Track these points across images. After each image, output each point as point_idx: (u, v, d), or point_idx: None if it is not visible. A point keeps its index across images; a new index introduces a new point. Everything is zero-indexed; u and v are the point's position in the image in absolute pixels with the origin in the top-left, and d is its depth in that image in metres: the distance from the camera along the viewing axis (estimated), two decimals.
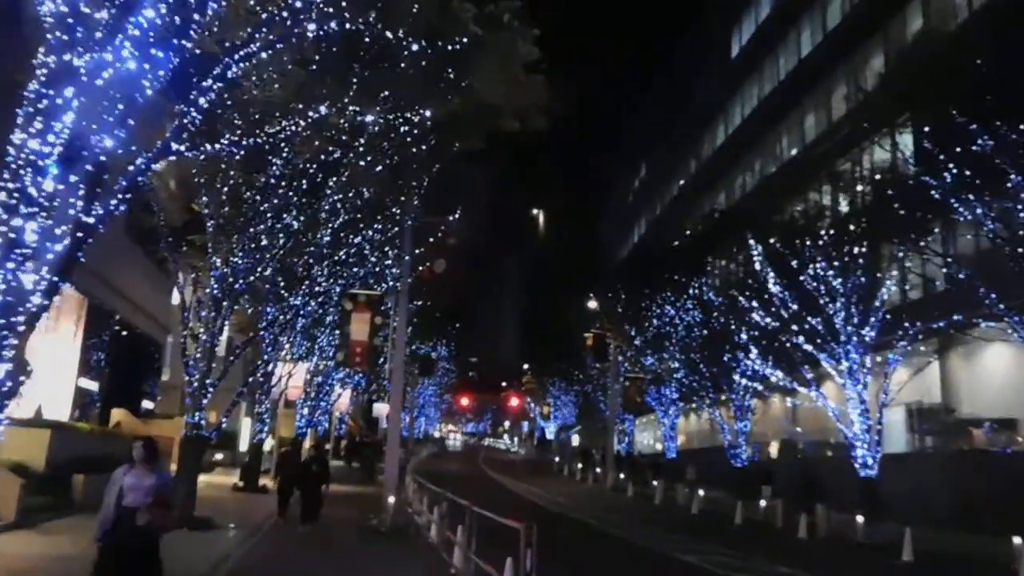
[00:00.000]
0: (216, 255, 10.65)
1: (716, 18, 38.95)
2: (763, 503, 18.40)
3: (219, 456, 25.84)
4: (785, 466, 25.83)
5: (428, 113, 9.41)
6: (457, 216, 12.71)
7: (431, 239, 13.15)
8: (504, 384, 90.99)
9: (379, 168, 10.78)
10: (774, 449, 28.40)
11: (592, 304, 33.86)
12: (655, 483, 24.55)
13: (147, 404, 22.80)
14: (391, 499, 12.79)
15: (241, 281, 10.96)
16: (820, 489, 16.60)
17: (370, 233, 12.31)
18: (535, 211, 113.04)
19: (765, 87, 33.06)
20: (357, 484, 22.84)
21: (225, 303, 11.07)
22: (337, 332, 19.70)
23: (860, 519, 14.48)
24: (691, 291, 26.14)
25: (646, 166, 54.50)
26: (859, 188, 20.16)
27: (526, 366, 71.71)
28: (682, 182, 44.59)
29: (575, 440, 61.84)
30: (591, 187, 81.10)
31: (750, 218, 24.77)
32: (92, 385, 17.76)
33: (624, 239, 57.33)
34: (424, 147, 10.93)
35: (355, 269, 13.33)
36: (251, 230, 10.62)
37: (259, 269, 11.08)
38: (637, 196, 56.34)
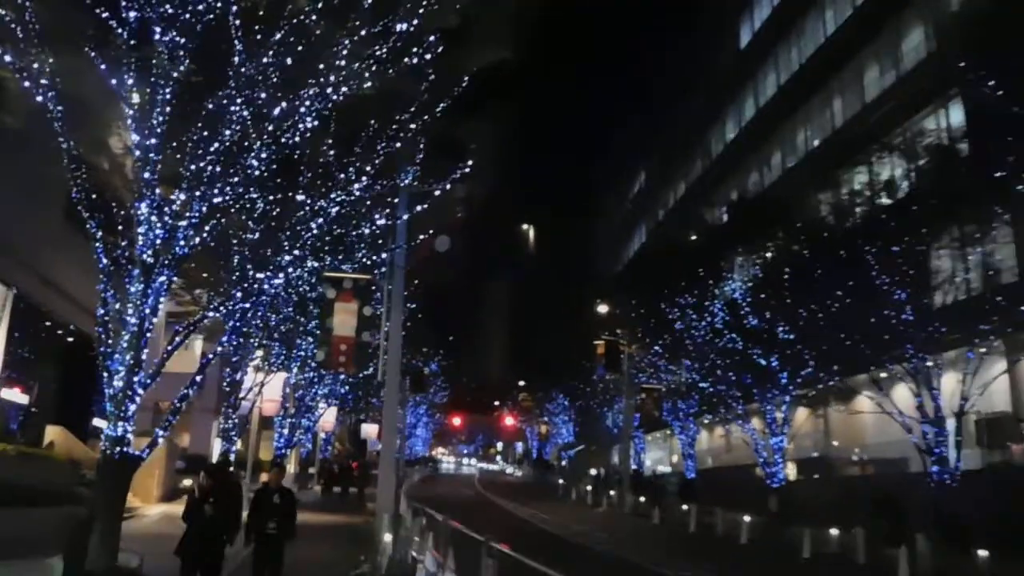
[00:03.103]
0: (143, 202, 7.78)
1: (719, 13, 37.10)
2: (834, 533, 15.39)
3: (187, 482, 22.62)
4: (819, 486, 23.09)
5: None
6: (466, 169, 9.90)
7: (437, 190, 10.29)
8: (496, 404, 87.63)
9: (368, 69, 8.01)
10: (791, 468, 25.55)
11: (602, 309, 31.09)
12: (684, 507, 21.59)
13: (99, 423, 19.68)
14: (387, 536, 9.83)
15: (183, 244, 8.08)
16: (905, 514, 13.71)
17: (356, 189, 9.47)
18: (524, 226, 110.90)
19: (782, 74, 30.93)
20: (339, 513, 19.65)
21: (162, 278, 8.18)
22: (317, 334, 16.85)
23: (983, 552, 11.57)
24: (716, 289, 23.51)
25: (645, 172, 52.40)
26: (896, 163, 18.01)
27: (522, 383, 68.57)
28: (685, 185, 42.44)
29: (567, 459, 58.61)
30: (583, 199, 79.08)
31: (783, 205, 22.32)
32: (20, 397, 14.71)
33: (623, 247, 54.99)
34: (430, 57, 8.27)
35: (340, 236, 10.39)
36: (193, 168, 7.77)
37: (208, 228, 8.21)
38: (636, 203, 54.18)
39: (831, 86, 26.82)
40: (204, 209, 8.03)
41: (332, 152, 10.65)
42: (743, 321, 22.14)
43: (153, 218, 7.95)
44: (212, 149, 7.89)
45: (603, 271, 56.28)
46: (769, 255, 22.02)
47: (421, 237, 11.11)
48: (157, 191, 8.00)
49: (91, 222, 7.97)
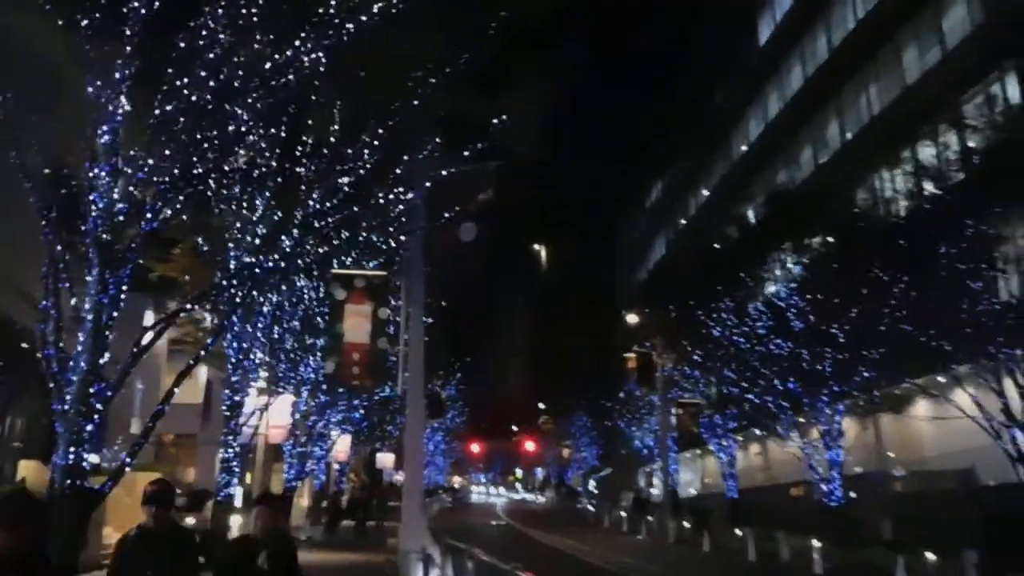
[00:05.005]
0: (100, 167, 6.13)
1: (734, 13, 35.89)
2: (931, 557, 13.22)
3: (190, 520, 20.72)
4: (882, 504, 20.77)
5: None
6: (498, 124, 8.24)
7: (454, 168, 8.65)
8: (515, 429, 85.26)
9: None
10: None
11: (632, 319, 29.21)
12: (737, 532, 19.42)
13: (90, 458, 17.91)
14: None
15: (149, 217, 6.40)
16: None
17: (367, 156, 7.81)
18: (536, 246, 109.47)
19: (808, 67, 29.40)
20: (356, 550, 17.66)
21: (126, 264, 6.50)
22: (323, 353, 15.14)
23: None
24: (756, 291, 21.67)
25: (662, 180, 50.94)
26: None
27: (542, 405, 66.38)
28: (708, 190, 40.86)
29: (591, 484, 56.20)
30: (598, 215, 77.74)
31: (826, 195, 20.59)
32: None
33: (643, 259, 53.27)
34: None
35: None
36: (158, 113, 6.12)
37: (183, 197, 6.53)
38: (654, 212, 52.62)
39: (866, 72, 25.23)
40: (177, 171, 6.35)
41: (337, 124, 9.10)
42: (789, 324, 20.23)
43: (113, 186, 6.30)
44: (185, 85, 6.22)
45: (623, 284, 54.54)
46: (814, 250, 20.25)
47: (446, 215, 9.42)
48: (117, 154, 6.37)
49: (34, 194, 6.33)
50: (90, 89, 6.41)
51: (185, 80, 6.09)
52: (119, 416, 17.62)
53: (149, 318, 23.30)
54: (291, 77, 6.49)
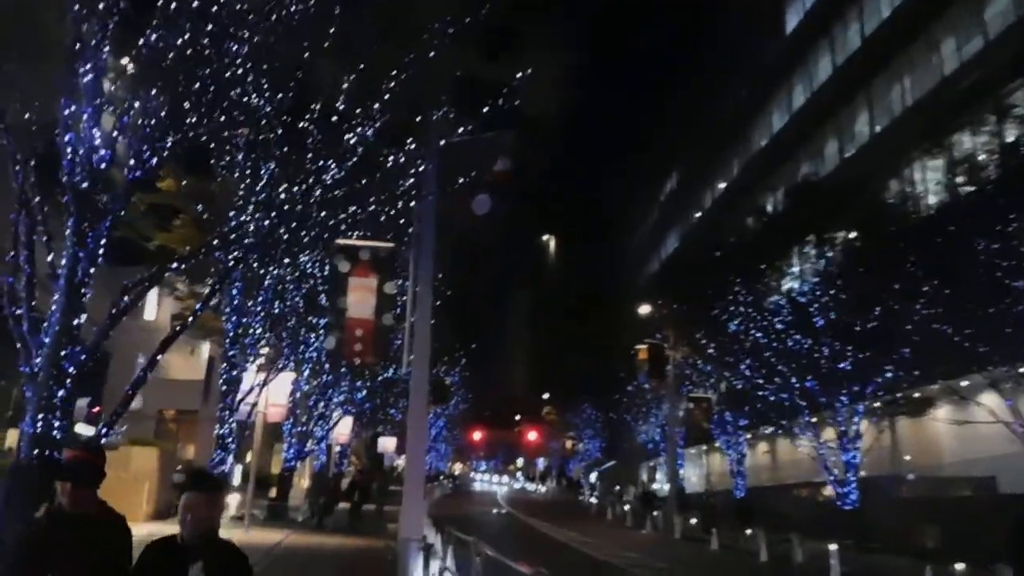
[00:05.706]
0: (78, 106, 5.49)
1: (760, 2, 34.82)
2: (959, 567, 12.54)
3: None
4: (899, 509, 20.08)
5: None
6: (521, 77, 7.58)
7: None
8: (518, 418, 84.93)
9: None
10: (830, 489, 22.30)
11: (644, 309, 28.49)
12: (748, 531, 18.82)
13: (84, 429, 17.45)
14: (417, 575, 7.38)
15: (134, 164, 5.79)
16: None
17: (377, 115, 7.16)
18: (545, 237, 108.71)
19: (838, 56, 28.41)
20: (354, 535, 17.15)
21: (104, 209, 5.89)
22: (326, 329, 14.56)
23: None
24: (776, 284, 20.94)
25: (678, 173, 49.99)
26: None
27: (546, 396, 65.89)
28: (725, 183, 39.97)
29: (592, 477, 55.83)
30: (608, 206, 76.80)
31: (856, 186, 19.79)
32: None
33: (654, 251, 52.47)
34: None
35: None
36: (140, 44, 5.49)
37: (172, 142, 5.90)
38: (667, 204, 51.73)
39: (899, 62, 24.27)
40: (164, 114, 5.72)
41: (346, 84, 8.43)
42: (810, 319, 19.50)
43: (93, 129, 5.67)
44: (174, 14, 5.57)
45: (633, 275, 53.78)
46: (839, 244, 19.48)
47: (460, 180, 8.77)
48: (101, 94, 5.74)
49: (7, 137, 5.72)
50: (72, 20, 5.78)
51: (173, 6, 5.42)
52: (119, 392, 17.22)
53: (153, 293, 22.76)
54: (293, 9, 5.82)
